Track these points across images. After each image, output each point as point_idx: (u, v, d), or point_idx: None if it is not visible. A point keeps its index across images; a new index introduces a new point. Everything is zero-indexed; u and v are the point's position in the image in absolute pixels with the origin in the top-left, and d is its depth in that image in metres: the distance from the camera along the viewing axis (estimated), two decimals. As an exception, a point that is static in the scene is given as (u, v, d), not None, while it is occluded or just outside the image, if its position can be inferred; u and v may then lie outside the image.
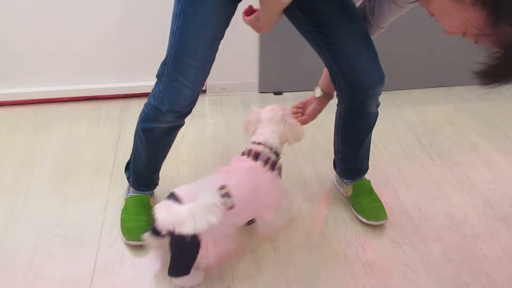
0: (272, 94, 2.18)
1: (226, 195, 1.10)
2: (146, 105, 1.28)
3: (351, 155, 1.46)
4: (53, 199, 1.53)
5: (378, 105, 1.35)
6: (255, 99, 2.16)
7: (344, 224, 1.46)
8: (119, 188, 1.57)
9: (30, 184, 1.58)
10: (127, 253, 1.34)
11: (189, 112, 1.26)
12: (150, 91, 2.05)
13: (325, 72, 1.37)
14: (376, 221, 1.43)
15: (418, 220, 1.49)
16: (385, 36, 2.23)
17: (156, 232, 1.12)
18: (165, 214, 1.03)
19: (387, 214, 1.45)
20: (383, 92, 2.29)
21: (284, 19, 1.22)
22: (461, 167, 1.74)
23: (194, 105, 1.25)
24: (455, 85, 2.28)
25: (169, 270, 1.18)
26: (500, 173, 1.72)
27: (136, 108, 2.04)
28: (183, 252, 1.13)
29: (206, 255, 1.33)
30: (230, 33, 1.21)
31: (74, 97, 2.05)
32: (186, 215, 1.00)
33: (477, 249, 1.39)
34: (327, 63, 1.29)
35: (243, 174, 1.21)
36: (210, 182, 1.15)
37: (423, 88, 2.25)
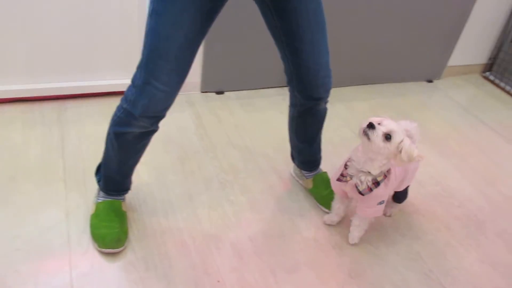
0: (214, 93, 2.21)
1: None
2: (118, 108, 1.22)
3: (307, 148, 1.58)
4: (2, 210, 1.37)
5: (326, 102, 1.46)
6: (198, 98, 2.16)
7: (308, 212, 1.57)
8: (77, 194, 1.48)
9: (-31, 197, 1.40)
10: (104, 259, 1.27)
11: (163, 116, 1.23)
12: (86, 91, 1.98)
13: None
14: None
15: (369, 202, 1.67)
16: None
17: None
18: None
19: (344, 199, 1.60)
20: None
21: (220, 18, 1.19)
22: (393, 154, 1.98)
23: (168, 109, 1.21)
24: (376, 83, 2.56)
25: None
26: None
27: (75, 109, 1.92)
28: None
29: (188, 254, 1.34)
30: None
31: (1, 99, 1.84)
32: None
33: (420, 223, 1.62)
34: (288, 70, 1.35)
35: None
36: None
37: (349, 86, 2.49)
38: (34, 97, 1.90)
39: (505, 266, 1.49)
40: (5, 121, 1.78)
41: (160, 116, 1.21)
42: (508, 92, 2.73)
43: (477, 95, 2.70)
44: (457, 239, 1.57)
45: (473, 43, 2.75)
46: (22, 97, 1.88)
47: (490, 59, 2.89)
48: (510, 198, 1.82)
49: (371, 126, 1.23)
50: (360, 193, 1.33)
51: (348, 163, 1.36)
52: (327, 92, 1.37)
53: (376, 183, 1.32)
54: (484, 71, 2.93)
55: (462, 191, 1.81)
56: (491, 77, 2.86)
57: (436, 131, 2.22)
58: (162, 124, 1.90)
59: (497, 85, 2.81)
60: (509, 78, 2.75)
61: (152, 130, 1.24)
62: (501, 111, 2.54)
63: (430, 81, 2.74)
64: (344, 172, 1.35)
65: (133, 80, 1.16)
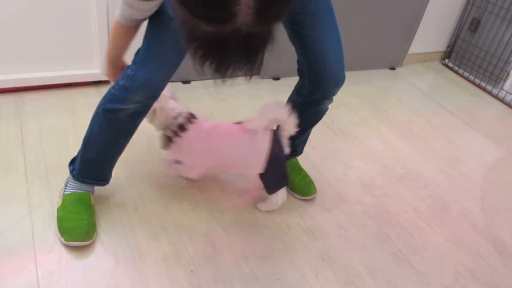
0: (180, 83, 2.17)
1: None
2: (112, 87, 1.19)
3: (293, 139, 1.56)
4: (-42, 210, 1.30)
5: (331, 102, 1.46)
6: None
7: (280, 198, 1.58)
8: (40, 190, 1.41)
9: None
10: (71, 255, 1.23)
11: (158, 95, 1.21)
12: (47, 83, 1.89)
13: None
14: (309, 196, 1.58)
15: (339, 187, 1.69)
16: (280, 28, 2.37)
17: None
18: None
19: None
20: (282, 78, 2.48)
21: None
22: (360, 140, 2.01)
23: (164, 87, 1.20)
24: (340, 71, 2.60)
25: None
26: (388, 142, 2.04)
27: (34, 102, 1.83)
28: None
29: (160, 246, 1.31)
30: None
31: (-51, 93, 1.73)
32: None
33: (388, 205, 1.66)
34: (299, 59, 1.35)
35: None
36: None
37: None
38: (-12, 90, 1.81)
39: (469, 243, 1.55)
40: (-43, 115, 1.68)
41: (157, 92, 1.19)
42: (466, 78, 2.84)
43: (437, 82, 2.79)
44: (424, 220, 1.62)
45: (432, 31, 2.84)
46: (-25, 90, 1.78)
47: (448, 46, 2.99)
48: (472, 178, 1.90)
49: None
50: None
51: None
52: (334, 91, 1.36)
53: (168, 139, 1.40)
54: (443, 58, 3.03)
55: (427, 173, 1.87)
56: (450, 64, 2.96)
57: (399, 117, 2.27)
58: (127, 115, 1.87)
59: (456, 72, 2.91)
60: (467, 64, 2.86)
61: (144, 108, 1.22)
62: (460, 96, 2.64)
63: (392, 68, 2.80)
64: None
65: (134, 60, 1.16)
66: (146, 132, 1.77)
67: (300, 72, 1.39)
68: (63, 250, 1.24)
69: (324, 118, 1.71)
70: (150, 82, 1.16)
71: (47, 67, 1.87)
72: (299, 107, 1.45)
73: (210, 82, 2.22)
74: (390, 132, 2.12)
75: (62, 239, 1.25)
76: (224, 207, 1.50)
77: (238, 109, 2.05)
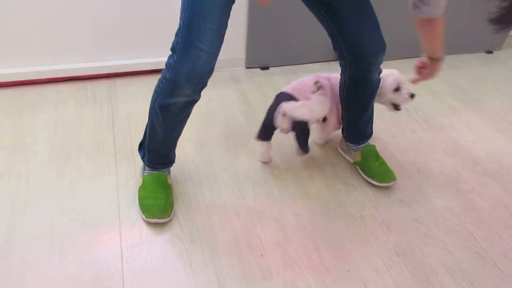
0: (259, 69, 2.19)
1: (321, 87, 1.46)
2: (160, 80, 1.23)
3: (356, 120, 1.53)
4: (58, 183, 1.45)
5: (380, 72, 1.42)
6: (243, 74, 2.15)
7: (354, 189, 1.54)
8: (127, 168, 1.53)
9: (28, 170, 1.49)
10: (152, 231, 1.32)
11: (205, 85, 1.22)
12: (135, 69, 2.02)
13: (422, 37, 1.33)
14: (388, 182, 1.52)
15: (419, 180, 1.60)
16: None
17: (264, 136, 1.55)
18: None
19: (392, 176, 1.55)
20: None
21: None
22: (446, 130, 1.88)
23: (210, 76, 1.21)
24: (427, 55, 2.42)
25: (298, 151, 1.53)
26: (480, 133, 1.88)
27: (124, 87, 1.97)
28: (303, 134, 1.49)
29: (232, 228, 1.35)
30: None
31: (54, 78, 1.93)
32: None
33: (474, 202, 1.53)
34: (330, 33, 1.34)
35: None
36: (307, 81, 1.51)
37: (398, 59, 2.37)
38: (87, 75, 1.98)
39: None
40: (60, 99, 1.86)
41: (203, 83, 1.20)
42: None
43: (543, 66, 2.49)
44: (516, 220, 1.47)
45: (541, 9, 2.52)
46: (76, 76, 1.96)
47: (559, 26, 2.63)
48: None
49: None
50: None
51: None
52: (376, 60, 1.33)
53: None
54: (552, 40, 2.68)
55: (523, 169, 1.69)
56: (561, 46, 2.62)
57: (494, 105, 2.07)
58: (207, 100, 1.94)
59: None
60: None
61: (195, 99, 1.25)
62: None
63: (490, 52, 2.55)
64: None
65: (173, 47, 1.17)
66: (223, 118, 1.83)
67: (336, 49, 1.36)
68: (144, 226, 1.33)
69: (407, 106, 1.61)
70: (194, 75, 1.16)
71: (137, 54, 2.00)
72: (349, 86, 1.44)
73: (288, 68, 2.21)
74: (482, 122, 1.95)
75: (143, 216, 1.34)
76: (296, 194, 1.50)
77: (316, 95, 2.01)
